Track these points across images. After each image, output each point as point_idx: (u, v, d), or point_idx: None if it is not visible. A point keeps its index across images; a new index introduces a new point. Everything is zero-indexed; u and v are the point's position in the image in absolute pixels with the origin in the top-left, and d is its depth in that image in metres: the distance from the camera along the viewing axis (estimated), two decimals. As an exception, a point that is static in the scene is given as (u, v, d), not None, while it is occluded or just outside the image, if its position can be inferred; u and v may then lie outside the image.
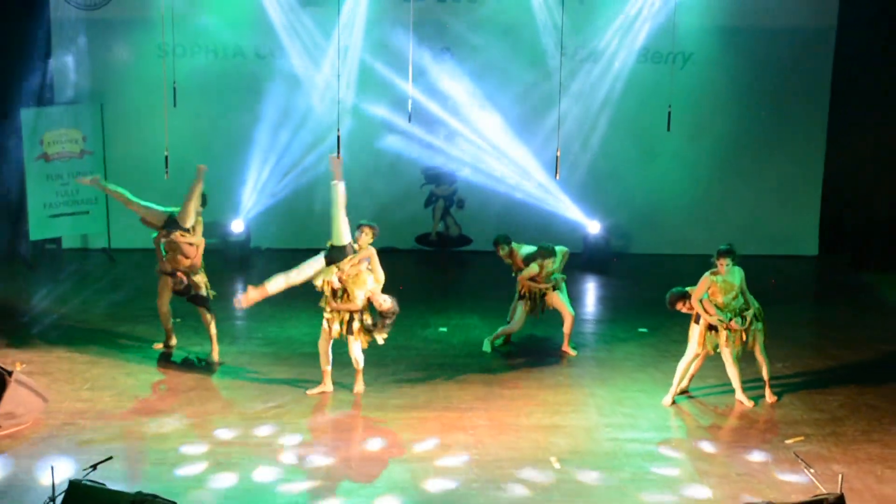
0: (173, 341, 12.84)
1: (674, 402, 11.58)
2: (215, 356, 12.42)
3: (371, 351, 12.09)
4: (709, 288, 11.29)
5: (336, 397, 11.72)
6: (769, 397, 11.69)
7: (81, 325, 13.48)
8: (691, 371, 11.69)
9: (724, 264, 11.26)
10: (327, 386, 11.75)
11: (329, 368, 11.71)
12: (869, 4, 15.40)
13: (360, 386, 11.75)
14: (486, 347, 12.95)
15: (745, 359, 11.56)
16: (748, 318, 11.32)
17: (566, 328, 12.82)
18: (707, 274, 11.30)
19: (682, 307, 11.40)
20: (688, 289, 11.36)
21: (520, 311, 12.81)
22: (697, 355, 11.51)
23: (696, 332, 11.46)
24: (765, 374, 11.69)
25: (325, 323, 11.52)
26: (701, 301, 11.32)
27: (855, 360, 12.94)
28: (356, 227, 11.50)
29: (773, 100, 16.09)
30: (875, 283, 15.50)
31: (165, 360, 12.57)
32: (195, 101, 15.11)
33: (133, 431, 10.83)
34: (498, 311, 13.99)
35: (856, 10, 15.56)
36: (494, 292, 14.24)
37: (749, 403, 11.55)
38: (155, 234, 12.41)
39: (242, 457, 10.36)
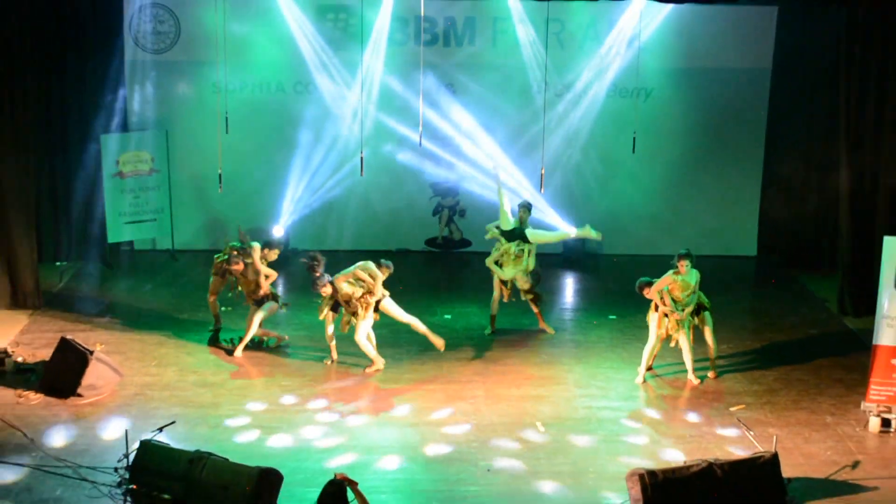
0: (220, 323, 12.82)
1: (644, 381, 11.56)
2: (242, 345, 12.18)
3: (387, 334, 12.09)
4: (669, 284, 11.28)
5: (357, 374, 11.71)
6: (711, 374, 11.67)
7: (150, 313, 13.47)
8: (654, 352, 11.68)
9: (683, 265, 11.26)
10: (378, 364, 11.77)
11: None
12: (797, 51, 15.37)
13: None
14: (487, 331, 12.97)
15: (696, 343, 11.55)
16: (687, 311, 11.29)
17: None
18: (670, 272, 11.28)
19: (647, 293, 11.41)
20: (654, 280, 11.35)
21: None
22: (660, 338, 11.50)
23: (654, 318, 11.45)
24: (711, 354, 11.67)
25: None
26: (661, 293, 11.30)
27: (787, 342, 12.92)
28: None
29: (719, 128, 16.02)
30: (802, 278, 15.46)
31: (218, 341, 12.55)
32: (243, 128, 15.07)
33: (192, 400, 10.85)
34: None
35: (787, 54, 15.52)
36: (490, 286, 14.18)
37: (696, 382, 11.52)
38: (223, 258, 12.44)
39: (281, 421, 10.37)
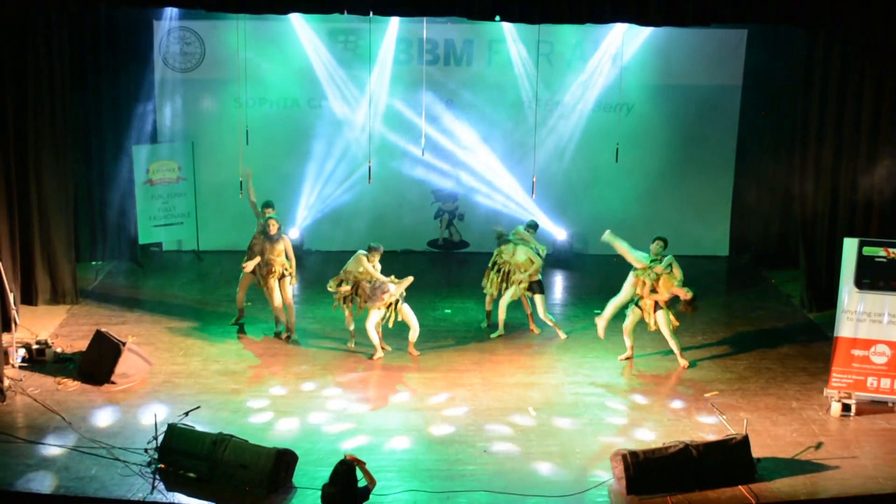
0: (242, 316, 12.77)
1: (629, 358, 11.56)
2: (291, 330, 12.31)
3: (393, 327, 12.06)
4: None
5: (368, 362, 11.68)
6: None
7: (177, 307, 13.44)
8: (630, 342, 11.66)
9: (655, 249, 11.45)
10: (378, 353, 11.76)
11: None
12: (766, 69, 15.34)
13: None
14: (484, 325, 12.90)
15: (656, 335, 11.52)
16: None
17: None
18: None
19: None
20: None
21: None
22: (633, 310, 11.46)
23: (628, 281, 11.45)
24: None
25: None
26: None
27: (756, 334, 12.89)
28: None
29: (694, 139, 15.97)
30: (770, 276, 15.43)
31: (240, 333, 12.52)
32: (262, 139, 15.05)
33: (216, 387, 10.82)
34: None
35: (756, 72, 15.49)
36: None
37: (684, 363, 11.53)
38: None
39: (296, 406, 10.35)
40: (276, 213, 12.40)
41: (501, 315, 12.46)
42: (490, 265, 12.58)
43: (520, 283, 12.24)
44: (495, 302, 12.62)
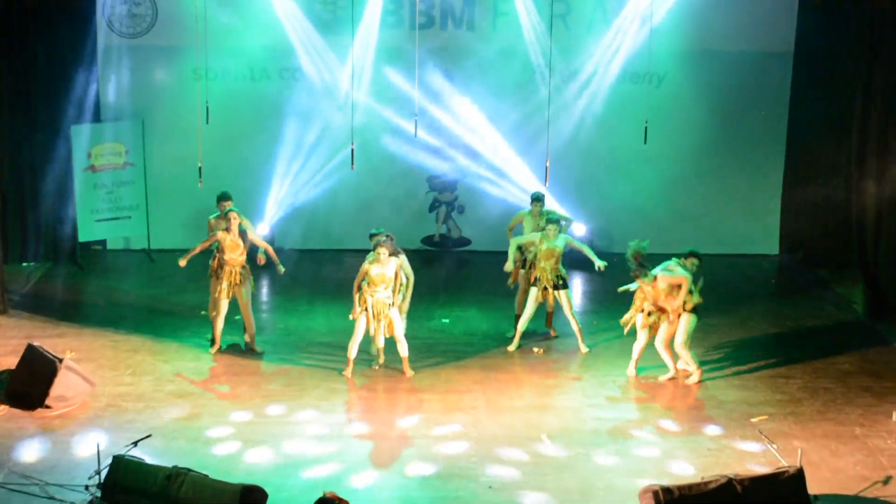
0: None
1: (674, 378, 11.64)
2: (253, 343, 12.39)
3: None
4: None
5: (350, 380, 11.66)
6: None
7: (124, 318, 13.42)
8: (671, 360, 11.68)
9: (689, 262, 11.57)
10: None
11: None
12: (822, 32, 15.31)
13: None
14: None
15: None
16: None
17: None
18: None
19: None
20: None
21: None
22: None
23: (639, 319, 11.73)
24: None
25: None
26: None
27: (811, 347, 12.86)
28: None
29: (737, 116, 15.99)
30: (827, 279, 15.41)
31: (199, 348, 12.49)
32: (225, 118, 15.00)
33: (170, 412, 10.79)
34: (494, 304, 13.93)
35: (811, 37, 15.48)
36: (491, 287, 14.16)
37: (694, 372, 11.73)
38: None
39: (265, 434, 10.32)
40: (238, 204, 12.36)
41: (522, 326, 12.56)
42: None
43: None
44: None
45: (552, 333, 12.95)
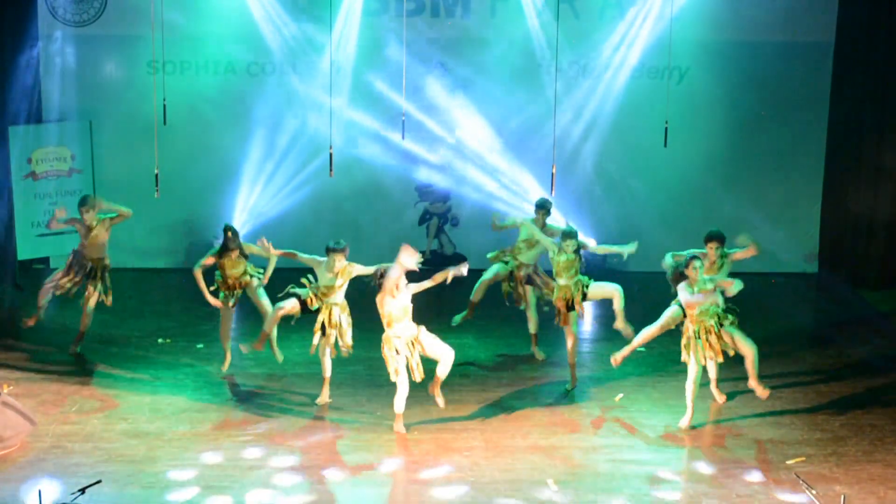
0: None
1: (692, 427, 11.57)
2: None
3: (366, 371, 12.03)
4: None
5: (328, 417, 11.66)
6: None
7: (69, 347, 13.38)
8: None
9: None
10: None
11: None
12: (866, 23, 15.39)
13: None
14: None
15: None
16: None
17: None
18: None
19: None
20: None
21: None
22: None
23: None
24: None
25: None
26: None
27: (856, 379, 12.89)
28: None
29: (770, 116, 16.06)
30: (873, 301, 15.46)
31: (154, 382, 12.48)
32: (186, 117, 15.06)
33: (122, 454, 10.75)
34: (493, 330, 13.95)
35: (854, 25, 15.54)
36: (490, 311, 14.17)
37: (721, 399, 11.94)
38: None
39: (233, 480, 10.29)
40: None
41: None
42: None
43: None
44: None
45: (538, 357, 13.02)
